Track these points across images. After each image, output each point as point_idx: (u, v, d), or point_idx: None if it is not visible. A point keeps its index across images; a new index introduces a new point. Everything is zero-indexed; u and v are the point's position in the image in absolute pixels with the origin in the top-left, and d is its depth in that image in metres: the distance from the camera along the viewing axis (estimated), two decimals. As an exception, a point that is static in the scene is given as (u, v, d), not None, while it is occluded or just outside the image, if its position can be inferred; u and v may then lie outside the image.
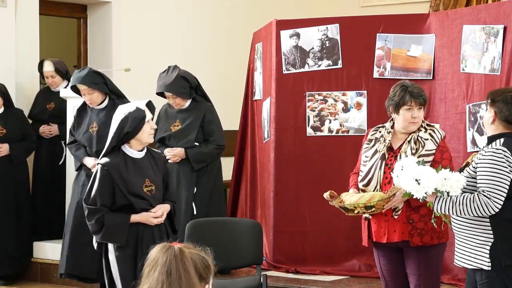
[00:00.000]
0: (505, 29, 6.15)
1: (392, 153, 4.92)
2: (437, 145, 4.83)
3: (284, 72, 7.01)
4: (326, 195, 4.93)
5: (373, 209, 4.74)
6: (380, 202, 4.71)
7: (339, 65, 6.91)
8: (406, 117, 4.85)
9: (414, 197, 4.25)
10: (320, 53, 6.94)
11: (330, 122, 6.90)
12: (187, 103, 6.81)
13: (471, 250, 4.25)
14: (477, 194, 4.16)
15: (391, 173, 4.59)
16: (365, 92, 6.83)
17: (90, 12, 9.15)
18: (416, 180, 4.19)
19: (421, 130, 4.89)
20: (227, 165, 8.73)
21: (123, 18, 9.07)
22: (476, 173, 4.22)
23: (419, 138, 4.86)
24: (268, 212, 7.03)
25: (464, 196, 4.17)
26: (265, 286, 5.74)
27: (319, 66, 6.95)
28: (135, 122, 4.97)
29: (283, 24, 7.07)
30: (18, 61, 8.08)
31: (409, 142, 4.87)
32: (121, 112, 5.05)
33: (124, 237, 4.94)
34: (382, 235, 4.89)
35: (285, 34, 7.02)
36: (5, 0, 7.97)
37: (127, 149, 5.04)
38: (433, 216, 4.55)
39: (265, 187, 7.14)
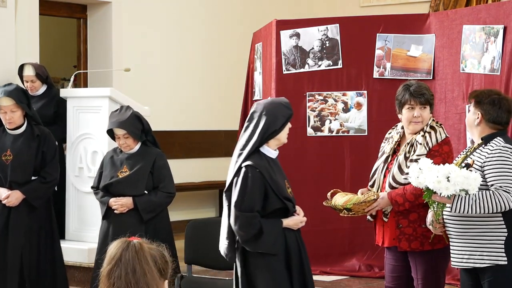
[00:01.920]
0: (505, 29, 6.15)
1: (395, 156, 4.91)
2: (428, 149, 4.80)
3: (284, 72, 7.01)
4: (328, 194, 4.96)
5: (353, 212, 4.78)
6: (356, 205, 4.74)
7: (339, 65, 6.91)
8: (408, 116, 4.85)
9: (442, 195, 4.18)
10: (320, 53, 6.94)
11: (330, 122, 6.90)
12: (137, 146, 5.99)
13: (481, 249, 4.26)
14: (495, 190, 4.19)
15: (408, 176, 4.50)
16: (365, 92, 6.83)
17: (90, 12, 9.15)
18: (447, 178, 4.15)
19: (420, 133, 4.84)
20: (227, 165, 8.73)
21: (123, 18, 9.07)
22: (483, 172, 4.23)
23: (415, 142, 4.84)
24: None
25: (482, 193, 4.19)
26: (265, 286, 5.73)
27: (319, 66, 6.95)
28: (282, 120, 4.53)
29: (283, 24, 7.07)
30: (18, 61, 8.08)
31: (407, 144, 4.86)
32: (264, 108, 4.55)
33: (280, 245, 4.45)
34: (380, 238, 4.92)
35: (285, 34, 7.02)
36: (5, 0, 7.96)
37: (265, 149, 4.57)
38: (435, 221, 4.49)
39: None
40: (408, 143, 4.85)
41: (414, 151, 4.80)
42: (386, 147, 4.98)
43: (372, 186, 4.94)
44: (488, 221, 4.26)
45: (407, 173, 4.63)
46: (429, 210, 4.54)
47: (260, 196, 4.39)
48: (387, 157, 4.91)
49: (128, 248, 2.69)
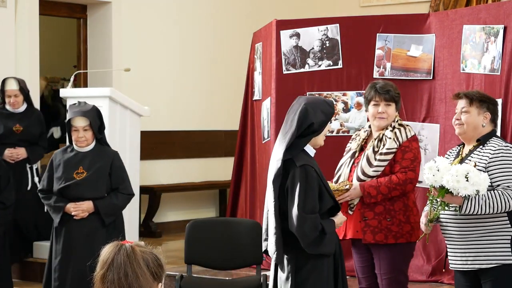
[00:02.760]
0: (505, 29, 6.15)
1: (362, 153, 5.01)
2: (398, 144, 4.87)
3: (284, 72, 7.01)
4: None
5: None
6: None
7: (339, 65, 6.90)
8: (373, 112, 4.96)
9: (460, 194, 4.17)
10: (320, 53, 6.94)
11: (330, 122, 6.89)
12: (92, 144, 5.70)
13: (487, 250, 4.26)
14: (503, 190, 4.20)
15: (423, 175, 4.48)
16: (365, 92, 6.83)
17: (90, 12, 9.16)
18: (466, 177, 4.14)
19: (388, 129, 4.94)
20: (227, 165, 8.74)
21: (123, 18, 9.07)
22: (488, 173, 4.24)
23: (383, 137, 4.91)
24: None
25: (491, 193, 4.20)
26: (265, 286, 5.74)
27: (319, 66, 6.95)
28: (321, 116, 4.40)
29: (283, 24, 7.07)
30: (18, 61, 8.08)
31: (375, 139, 4.95)
32: (306, 99, 4.44)
33: (334, 245, 4.37)
34: (341, 231, 4.94)
35: (285, 34, 7.02)
36: (5, 0, 7.96)
37: (308, 147, 4.40)
38: (430, 219, 4.49)
39: (265, 187, 7.12)
40: (376, 138, 4.94)
41: (384, 145, 4.88)
42: (352, 144, 5.09)
43: (336, 181, 5.00)
44: (493, 221, 4.26)
45: (376, 166, 4.77)
46: (424, 210, 4.54)
47: (317, 196, 4.27)
48: (354, 153, 5.02)
49: (120, 252, 2.68)
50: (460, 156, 4.44)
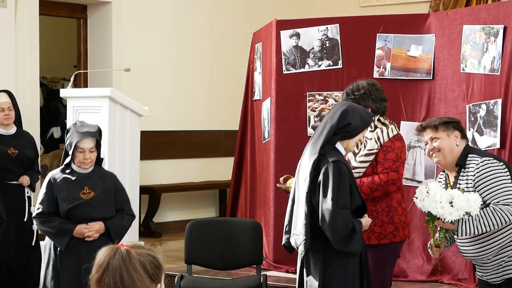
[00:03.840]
0: (505, 29, 6.15)
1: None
2: (379, 145, 4.86)
3: (284, 72, 7.01)
4: (281, 178, 5.07)
5: None
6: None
7: (339, 65, 6.91)
8: None
9: (446, 220, 4.17)
10: (320, 53, 6.94)
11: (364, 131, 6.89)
12: (93, 166, 5.38)
13: (509, 261, 4.28)
14: (494, 206, 4.19)
15: (414, 197, 4.42)
16: (365, 92, 6.82)
17: (90, 12, 9.16)
18: (450, 203, 4.14)
19: (368, 129, 4.85)
20: (227, 165, 8.74)
21: (123, 18, 9.07)
22: (476, 191, 4.23)
23: (364, 138, 4.86)
24: (268, 212, 7.03)
25: (483, 212, 4.18)
26: (265, 286, 5.75)
27: (319, 66, 6.95)
28: (358, 120, 4.36)
29: (283, 24, 7.07)
30: (18, 61, 8.08)
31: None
32: (347, 102, 4.45)
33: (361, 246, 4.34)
34: None
35: (285, 34, 7.02)
36: (5, 0, 7.96)
37: (338, 145, 4.39)
38: (434, 245, 4.49)
39: (265, 187, 7.14)
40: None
41: (365, 146, 4.86)
42: None
43: None
44: (505, 233, 4.27)
45: (357, 167, 4.77)
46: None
47: (349, 193, 4.23)
48: None
49: (115, 256, 2.66)
50: (448, 185, 4.43)
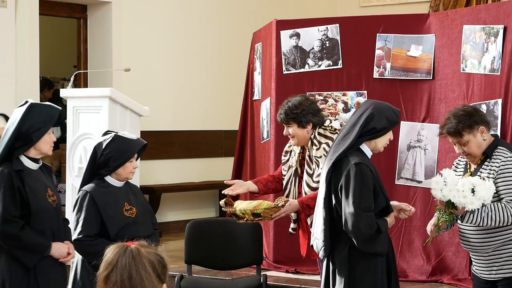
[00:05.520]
0: (505, 29, 6.14)
1: (303, 168, 5.02)
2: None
3: (284, 72, 7.01)
4: (221, 202, 5.02)
5: (260, 217, 4.84)
6: (266, 210, 4.79)
7: (339, 65, 6.91)
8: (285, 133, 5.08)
9: (467, 208, 4.15)
10: (320, 53, 6.94)
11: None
12: None
13: (510, 259, 4.27)
14: (506, 203, 4.19)
15: (431, 189, 4.36)
16: (365, 92, 6.83)
17: (90, 12, 9.16)
18: (472, 191, 4.11)
19: (313, 148, 4.94)
20: (227, 165, 8.74)
21: (123, 18, 9.07)
22: (496, 184, 4.22)
23: (313, 158, 4.92)
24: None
25: (494, 205, 4.18)
26: (265, 286, 5.75)
27: (319, 66, 6.95)
28: (385, 122, 4.32)
29: (283, 24, 7.07)
30: (18, 61, 8.08)
31: (305, 163, 4.98)
32: (373, 103, 4.37)
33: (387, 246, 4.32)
34: (306, 250, 5.07)
35: (285, 34, 7.02)
36: (5, 0, 7.97)
37: (364, 147, 4.39)
38: (436, 224, 4.47)
39: (265, 187, 7.13)
40: (306, 161, 4.98)
41: (318, 166, 4.88)
42: (291, 160, 5.11)
43: (287, 197, 5.06)
44: (508, 231, 4.27)
45: (315, 188, 4.73)
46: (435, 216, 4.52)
47: (372, 195, 4.20)
48: (296, 170, 5.06)
49: (125, 254, 2.65)
50: (468, 171, 4.41)
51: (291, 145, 5.16)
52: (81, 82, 9.21)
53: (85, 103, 7.26)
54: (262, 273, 5.84)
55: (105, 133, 4.94)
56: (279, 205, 4.79)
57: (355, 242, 4.16)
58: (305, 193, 4.94)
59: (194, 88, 9.77)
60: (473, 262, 4.45)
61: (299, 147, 5.06)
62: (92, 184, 4.74)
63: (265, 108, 7.22)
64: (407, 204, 4.50)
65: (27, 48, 8.19)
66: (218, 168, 9.85)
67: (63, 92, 7.53)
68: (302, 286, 6.28)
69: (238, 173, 7.76)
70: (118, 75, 8.81)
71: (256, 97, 7.51)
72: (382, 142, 4.33)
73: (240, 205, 4.87)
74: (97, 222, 4.64)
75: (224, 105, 9.85)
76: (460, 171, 4.46)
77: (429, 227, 4.46)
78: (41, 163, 4.57)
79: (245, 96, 7.78)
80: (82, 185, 4.79)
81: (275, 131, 7.02)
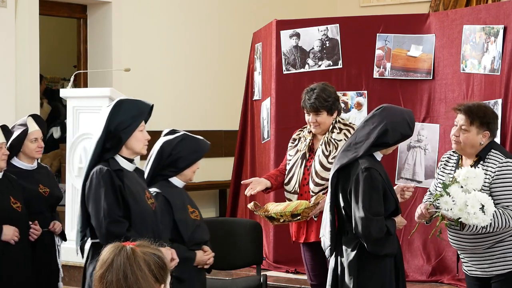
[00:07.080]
0: (505, 29, 6.15)
1: (312, 154, 5.12)
2: None
3: (284, 72, 7.01)
4: (250, 205, 5.14)
5: (299, 217, 4.95)
6: (306, 210, 4.92)
7: (339, 65, 6.91)
8: (307, 119, 5.13)
9: (479, 227, 4.16)
10: (320, 53, 6.94)
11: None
12: None
13: (501, 257, 4.28)
14: (503, 209, 4.19)
15: (441, 209, 4.33)
16: (365, 92, 6.83)
17: (90, 12, 9.15)
18: (482, 207, 4.09)
19: (334, 132, 5.05)
20: (227, 165, 8.74)
21: (123, 18, 9.07)
22: (490, 190, 4.23)
23: (332, 140, 5.02)
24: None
25: (495, 212, 4.17)
26: (265, 286, 5.75)
27: (319, 66, 6.95)
28: (398, 136, 4.35)
29: (283, 24, 7.07)
30: (18, 61, 8.08)
31: (322, 144, 5.06)
32: (389, 116, 4.36)
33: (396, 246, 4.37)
34: (301, 235, 5.13)
35: (285, 34, 7.02)
36: (5, 0, 7.96)
37: (376, 153, 4.44)
38: (439, 231, 4.49)
39: (265, 187, 7.13)
40: (322, 142, 5.06)
41: (336, 149, 4.98)
42: (300, 145, 5.19)
43: (287, 184, 5.15)
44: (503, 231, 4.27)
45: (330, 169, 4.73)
46: (423, 201, 4.55)
47: (382, 199, 4.25)
48: (304, 154, 5.14)
49: (120, 254, 2.65)
50: (460, 167, 4.39)
51: (299, 134, 5.26)
52: (81, 82, 9.21)
53: (85, 103, 7.26)
54: (262, 273, 5.84)
55: (171, 132, 4.75)
56: (318, 203, 4.92)
57: (365, 245, 4.23)
58: (316, 172, 5.01)
59: (194, 88, 9.77)
60: (461, 260, 4.44)
61: (311, 134, 5.16)
62: (159, 184, 4.50)
63: (265, 108, 7.22)
64: (404, 184, 4.60)
65: (27, 48, 8.18)
66: (218, 168, 9.84)
67: (63, 92, 7.52)
68: (302, 286, 6.28)
69: (238, 173, 7.77)
70: (118, 75, 8.81)
71: (256, 97, 7.51)
72: (391, 149, 4.43)
73: (275, 208, 5.02)
74: (170, 227, 4.38)
75: (224, 105, 9.84)
76: (451, 169, 4.45)
77: (419, 211, 4.43)
78: (136, 165, 4.27)
79: (245, 96, 7.78)
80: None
81: (275, 131, 7.02)
